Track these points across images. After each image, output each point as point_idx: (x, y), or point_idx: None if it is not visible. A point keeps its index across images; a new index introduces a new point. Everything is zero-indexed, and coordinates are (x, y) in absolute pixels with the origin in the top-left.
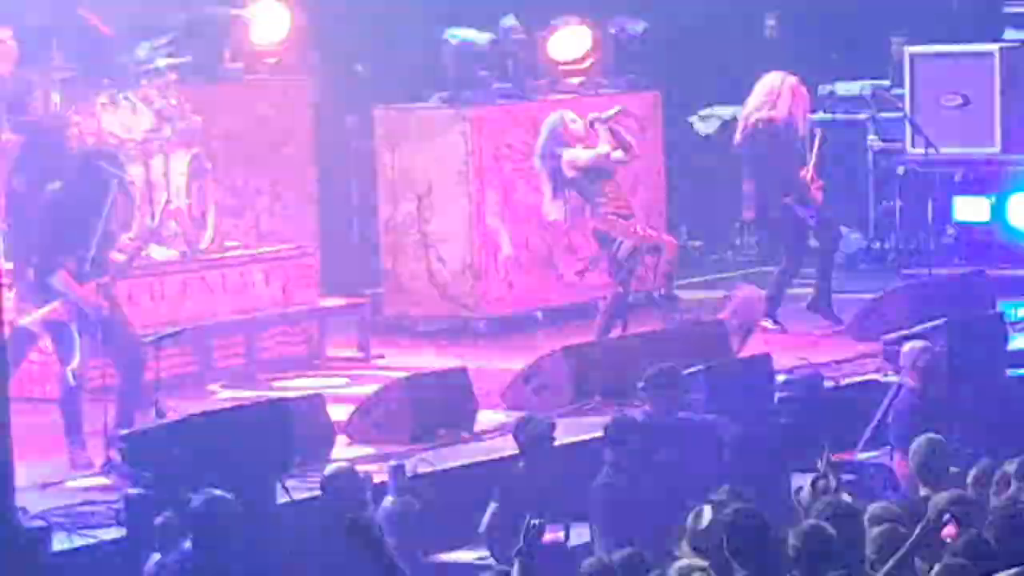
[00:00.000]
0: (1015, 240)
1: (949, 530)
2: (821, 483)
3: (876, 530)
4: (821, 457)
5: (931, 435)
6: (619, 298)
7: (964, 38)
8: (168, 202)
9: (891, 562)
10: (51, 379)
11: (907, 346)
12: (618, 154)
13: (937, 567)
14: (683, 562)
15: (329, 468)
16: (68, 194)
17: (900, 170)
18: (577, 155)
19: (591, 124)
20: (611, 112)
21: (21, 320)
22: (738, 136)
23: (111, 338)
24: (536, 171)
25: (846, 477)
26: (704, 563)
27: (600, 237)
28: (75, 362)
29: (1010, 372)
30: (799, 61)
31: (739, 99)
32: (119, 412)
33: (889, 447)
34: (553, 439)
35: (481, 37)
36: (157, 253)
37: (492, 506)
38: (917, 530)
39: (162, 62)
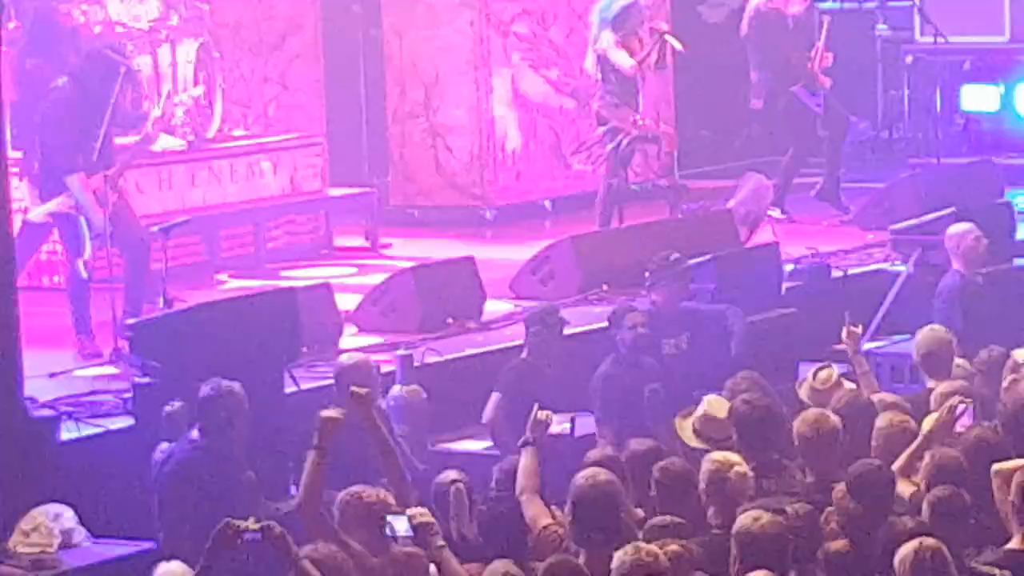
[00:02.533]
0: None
1: (964, 420)
2: (823, 373)
3: (882, 421)
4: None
5: (934, 326)
6: (610, 188)
7: None
8: (173, 92)
9: (904, 455)
10: (59, 270)
11: (953, 228)
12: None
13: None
14: (717, 455)
15: (343, 358)
16: (75, 88)
17: (908, 59)
18: (619, 59)
19: (657, 33)
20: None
21: (29, 214)
22: (744, 25)
23: (117, 230)
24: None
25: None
26: (739, 459)
27: (601, 121)
28: (86, 253)
29: (1018, 261)
30: None
31: None
32: (127, 302)
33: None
34: (562, 329)
35: None
36: (164, 142)
37: (495, 396)
38: (931, 422)
39: None
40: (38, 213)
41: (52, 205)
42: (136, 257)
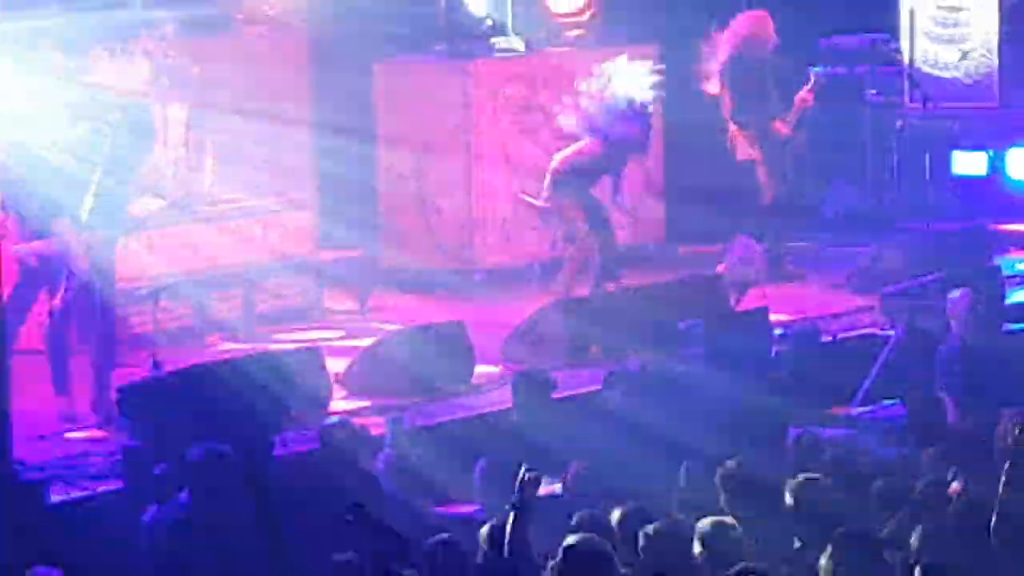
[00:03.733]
0: (1019, 188)
1: (955, 486)
2: (805, 438)
3: (876, 485)
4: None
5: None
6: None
7: None
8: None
9: (895, 519)
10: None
11: (954, 293)
12: None
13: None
14: (713, 519)
15: (327, 421)
16: (65, 146)
17: (898, 124)
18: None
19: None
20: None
21: (15, 247)
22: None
23: (89, 295)
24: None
25: (844, 431)
26: (733, 520)
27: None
28: (57, 298)
29: (1007, 326)
30: (799, 13)
31: None
32: (94, 371)
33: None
34: (551, 393)
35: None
36: (154, 204)
37: (484, 460)
38: (920, 486)
39: (161, 13)
40: (24, 248)
41: (41, 243)
42: (101, 328)
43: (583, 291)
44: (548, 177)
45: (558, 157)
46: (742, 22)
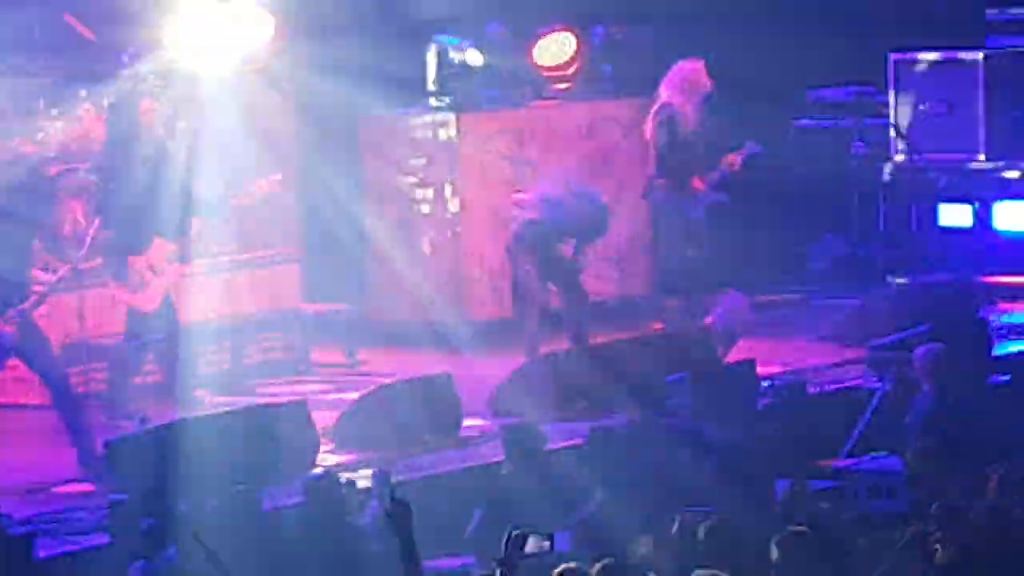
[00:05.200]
0: (1005, 240)
1: (938, 536)
2: (792, 491)
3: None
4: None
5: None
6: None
7: (949, 45)
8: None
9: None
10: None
11: (921, 349)
12: None
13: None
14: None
15: (313, 474)
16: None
17: (885, 176)
18: None
19: None
20: None
21: None
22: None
23: (30, 362)
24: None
25: (831, 483)
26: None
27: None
28: None
29: (993, 378)
30: (785, 65)
31: (729, 104)
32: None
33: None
34: (541, 447)
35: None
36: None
37: (478, 514)
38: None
39: (146, 66)
40: None
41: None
42: (54, 389)
43: (558, 346)
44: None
45: (517, 196)
46: (675, 71)
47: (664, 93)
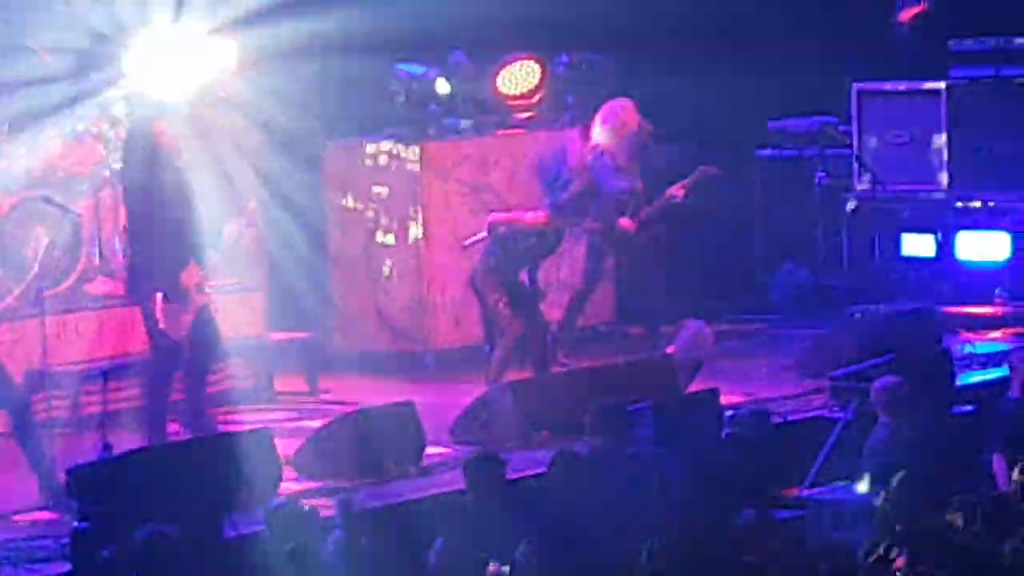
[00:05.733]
0: (968, 270)
1: (899, 562)
2: (755, 520)
3: (824, 567)
4: None
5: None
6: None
7: (911, 75)
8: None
9: None
10: None
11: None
12: None
13: None
14: None
15: (276, 502)
16: None
17: (848, 206)
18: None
19: None
20: None
21: None
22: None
23: None
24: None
25: (794, 513)
26: None
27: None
28: None
29: (956, 408)
30: (748, 96)
31: (692, 133)
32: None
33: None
34: (503, 475)
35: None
36: (103, 286)
37: (439, 541)
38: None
39: (112, 94)
40: None
41: None
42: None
43: (520, 374)
44: (484, 233)
45: (498, 216)
46: (604, 111)
47: (593, 134)
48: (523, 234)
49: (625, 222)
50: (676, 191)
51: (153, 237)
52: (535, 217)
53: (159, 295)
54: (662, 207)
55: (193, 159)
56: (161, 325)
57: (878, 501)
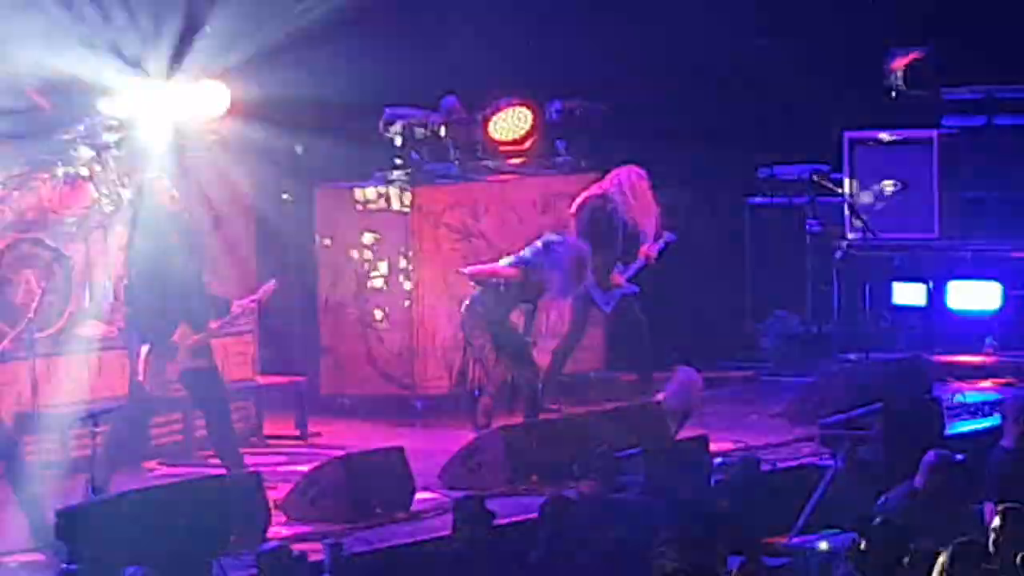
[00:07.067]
0: (958, 319)
1: None
2: (745, 568)
3: None
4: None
5: None
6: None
7: (904, 124)
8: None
9: None
10: None
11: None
12: None
13: None
14: None
15: (265, 547)
16: None
17: (839, 254)
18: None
19: None
20: None
21: None
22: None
23: None
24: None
25: (783, 561)
26: None
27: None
28: None
29: None
30: (739, 143)
31: (683, 180)
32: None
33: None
34: (492, 521)
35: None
36: (95, 329)
37: None
38: None
39: (105, 137)
40: None
41: None
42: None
43: (510, 420)
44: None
45: (471, 269)
46: (625, 172)
47: (608, 183)
48: (505, 283)
49: (616, 278)
50: (649, 250)
51: (152, 292)
52: (508, 271)
53: (144, 348)
54: (638, 265)
55: (196, 216)
56: (139, 377)
57: None
